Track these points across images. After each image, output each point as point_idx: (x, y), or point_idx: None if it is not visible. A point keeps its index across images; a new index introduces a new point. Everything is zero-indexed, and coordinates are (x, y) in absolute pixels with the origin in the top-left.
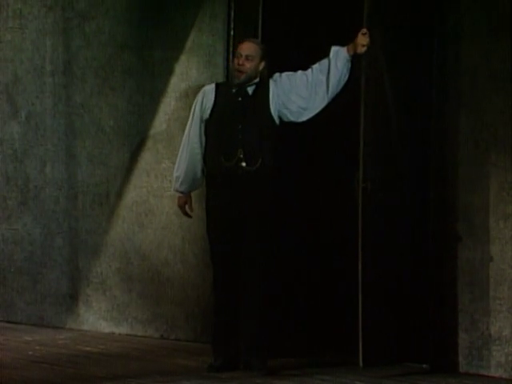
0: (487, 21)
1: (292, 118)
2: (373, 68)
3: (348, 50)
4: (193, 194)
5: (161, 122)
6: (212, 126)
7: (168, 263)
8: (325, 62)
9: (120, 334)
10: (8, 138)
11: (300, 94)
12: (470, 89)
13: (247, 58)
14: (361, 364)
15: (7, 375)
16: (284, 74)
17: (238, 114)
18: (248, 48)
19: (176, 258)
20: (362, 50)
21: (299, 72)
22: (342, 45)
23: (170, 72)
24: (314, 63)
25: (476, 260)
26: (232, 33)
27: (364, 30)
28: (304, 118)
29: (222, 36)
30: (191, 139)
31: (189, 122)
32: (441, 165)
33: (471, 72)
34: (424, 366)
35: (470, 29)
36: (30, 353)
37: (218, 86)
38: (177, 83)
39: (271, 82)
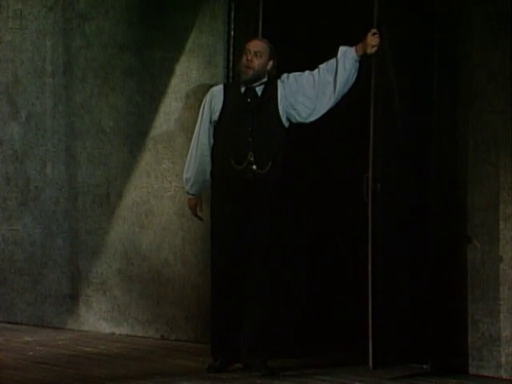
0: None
1: (300, 119)
2: (381, 68)
3: (357, 51)
4: None
5: (161, 122)
6: (221, 129)
7: (168, 264)
8: (332, 62)
9: (120, 335)
10: (8, 139)
11: (307, 94)
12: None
13: (256, 54)
14: (371, 365)
15: (8, 376)
16: (291, 75)
17: (247, 116)
18: (256, 45)
19: (176, 259)
20: (372, 50)
21: (306, 72)
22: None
23: (170, 72)
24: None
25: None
26: (232, 33)
27: (374, 31)
28: (312, 119)
29: (222, 36)
30: (200, 141)
31: (197, 124)
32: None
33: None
34: (424, 366)
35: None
36: (31, 353)
37: (225, 86)
38: (177, 84)
39: (279, 83)
